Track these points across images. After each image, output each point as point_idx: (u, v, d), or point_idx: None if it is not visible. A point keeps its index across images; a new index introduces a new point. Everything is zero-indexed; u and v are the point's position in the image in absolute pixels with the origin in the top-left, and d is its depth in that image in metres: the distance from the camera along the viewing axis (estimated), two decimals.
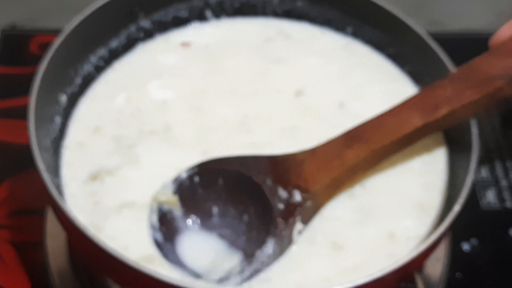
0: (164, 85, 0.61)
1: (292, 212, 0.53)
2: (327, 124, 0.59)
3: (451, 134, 0.59)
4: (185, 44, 0.64)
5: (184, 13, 0.65)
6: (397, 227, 0.54)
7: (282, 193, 0.53)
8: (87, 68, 0.61)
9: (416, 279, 0.52)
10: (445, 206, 0.55)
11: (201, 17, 0.65)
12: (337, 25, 0.65)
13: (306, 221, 0.54)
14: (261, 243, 0.53)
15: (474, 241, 0.67)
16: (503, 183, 0.72)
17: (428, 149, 0.58)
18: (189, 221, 0.54)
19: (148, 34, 0.64)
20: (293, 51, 0.64)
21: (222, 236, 0.54)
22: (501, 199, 0.70)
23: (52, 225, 0.63)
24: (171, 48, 0.64)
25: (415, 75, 0.63)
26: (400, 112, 0.54)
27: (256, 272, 0.52)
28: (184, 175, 0.55)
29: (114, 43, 0.62)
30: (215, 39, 0.65)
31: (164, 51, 0.64)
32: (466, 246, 0.67)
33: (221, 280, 0.51)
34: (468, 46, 0.75)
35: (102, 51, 0.61)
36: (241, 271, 0.52)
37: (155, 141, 0.58)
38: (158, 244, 0.53)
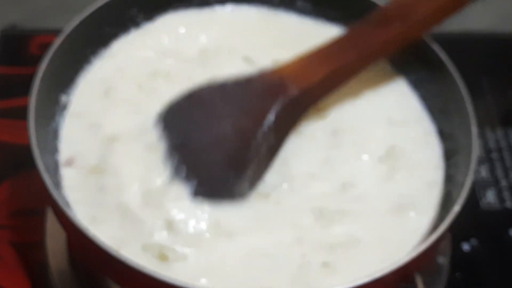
0: None
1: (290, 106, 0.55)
2: None
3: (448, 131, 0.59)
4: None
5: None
6: None
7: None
8: (87, 68, 0.61)
9: (416, 279, 0.53)
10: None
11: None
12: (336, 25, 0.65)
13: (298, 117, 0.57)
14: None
15: (474, 241, 0.67)
16: (503, 183, 0.72)
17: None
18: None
19: None
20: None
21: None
22: (501, 199, 0.70)
23: (52, 225, 0.63)
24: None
25: (414, 74, 0.63)
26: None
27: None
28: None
29: (114, 43, 0.62)
30: None
31: None
32: (466, 246, 0.67)
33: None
34: (468, 46, 0.76)
35: (102, 51, 0.61)
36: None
37: None
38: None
